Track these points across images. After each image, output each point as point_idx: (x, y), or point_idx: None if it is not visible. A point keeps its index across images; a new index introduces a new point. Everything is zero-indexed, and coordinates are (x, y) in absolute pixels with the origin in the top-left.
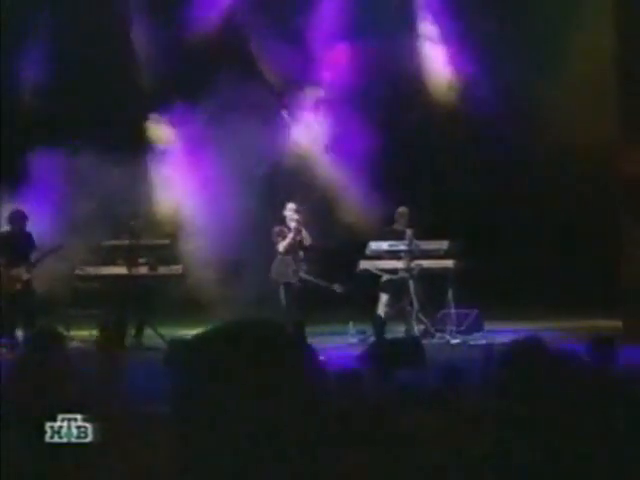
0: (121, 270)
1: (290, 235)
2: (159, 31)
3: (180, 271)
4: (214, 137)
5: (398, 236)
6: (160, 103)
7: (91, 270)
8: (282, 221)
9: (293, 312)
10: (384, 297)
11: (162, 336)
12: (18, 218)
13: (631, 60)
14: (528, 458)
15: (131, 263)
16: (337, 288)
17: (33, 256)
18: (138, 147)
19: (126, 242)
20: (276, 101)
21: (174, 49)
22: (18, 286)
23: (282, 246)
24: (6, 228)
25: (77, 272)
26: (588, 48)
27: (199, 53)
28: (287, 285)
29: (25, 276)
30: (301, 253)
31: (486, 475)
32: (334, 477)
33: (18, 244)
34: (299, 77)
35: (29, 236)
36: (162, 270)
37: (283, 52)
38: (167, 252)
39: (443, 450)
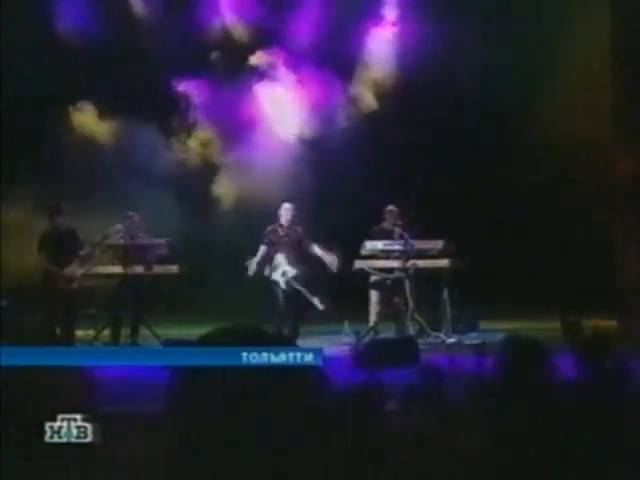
0: (117, 269)
1: (282, 232)
2: None
3: (176, 270)
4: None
5: (387, 235)
6: None
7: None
8: (277, 220)
9: (289, 312)
10: (378, 296)
11: (158, 336)
12: (53, 213)
13: (626, 52)
14: (522, 457)
15: (126, 262)
16: (317, 303)
17: (83, 251)
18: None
19: (121, 241)
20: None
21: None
22: (74, 285)
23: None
24: (47, 227)
25: None
26: (583, 41)
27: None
28: (278, 285)
29: (79, 271)
30: (296, 252)
31: (480, 474)
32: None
33: (63, 241)
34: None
35: (72, 232)
36: (157, 269)
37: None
38: (162, 251)
39: (436, 449)
